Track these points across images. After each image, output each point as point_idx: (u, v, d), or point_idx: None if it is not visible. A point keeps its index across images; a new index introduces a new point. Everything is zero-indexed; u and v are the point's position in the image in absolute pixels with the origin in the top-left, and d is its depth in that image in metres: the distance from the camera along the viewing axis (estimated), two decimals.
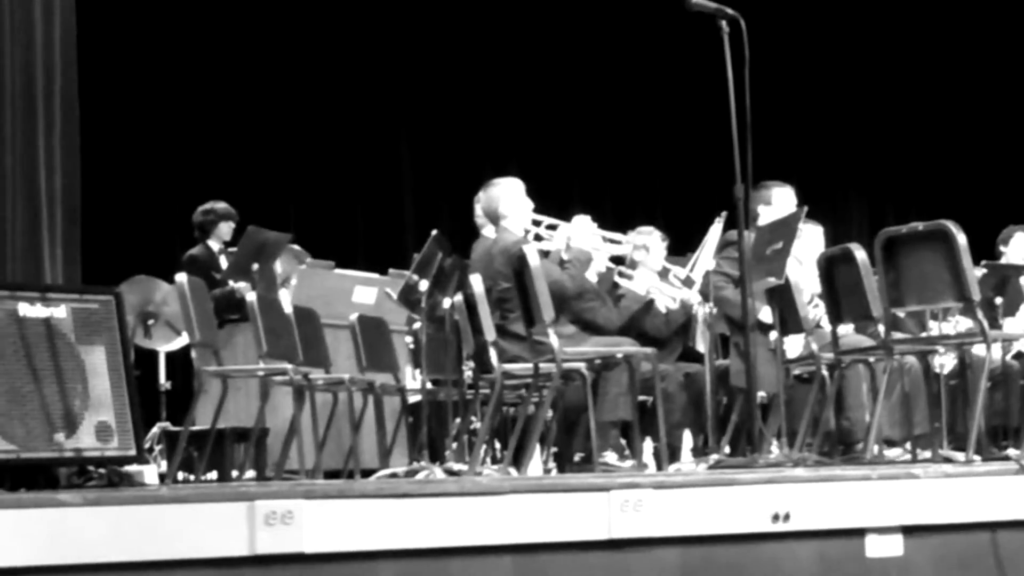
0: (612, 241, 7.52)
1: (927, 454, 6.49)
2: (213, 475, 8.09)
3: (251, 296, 7.57)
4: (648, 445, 7.41)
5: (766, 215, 7.36)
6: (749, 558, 4.72)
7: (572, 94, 13.24)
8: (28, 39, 10.15)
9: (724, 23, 6.14)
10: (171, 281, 8.02)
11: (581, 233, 7.35)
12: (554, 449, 7.47)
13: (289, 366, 7.38)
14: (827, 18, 13.82)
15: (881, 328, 6.39)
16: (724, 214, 7.31)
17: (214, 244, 9.35)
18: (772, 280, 6.59)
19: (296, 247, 9.41)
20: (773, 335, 6.86)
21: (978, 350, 6.83)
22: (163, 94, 11.76)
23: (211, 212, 9.42)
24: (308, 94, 12.40)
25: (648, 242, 8.07)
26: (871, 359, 6.86)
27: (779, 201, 7.50)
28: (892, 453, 6.94)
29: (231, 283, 8.70)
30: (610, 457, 7.13)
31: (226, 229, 9.36)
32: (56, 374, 4.87)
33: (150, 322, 9.40)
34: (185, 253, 9.36)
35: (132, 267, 9.72)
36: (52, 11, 10.27)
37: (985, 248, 8.71)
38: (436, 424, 8.22)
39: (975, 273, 6.08)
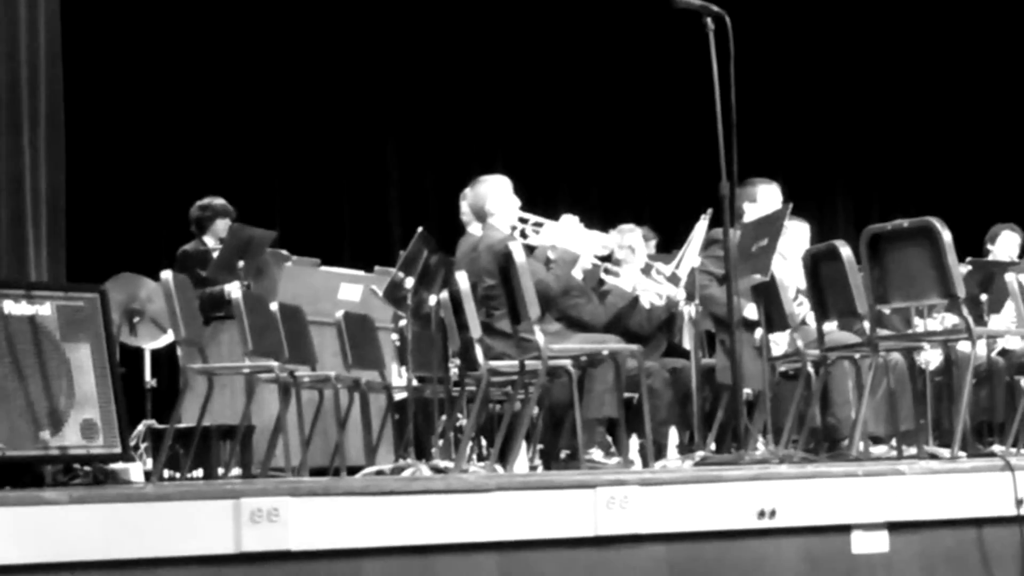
0: (598, 243, 7.51)
1: (912, 450, 6.50)
2: (199, 473, 8.07)
3: (236, 293, 7.55)
4: (634, 442, 7.41)
5: (752, 212, 7.36)
6: (735, 555, 4.73)
7: (558, 91, 13.24)
8: (12, 35, 10.12)
9: (709, 20, 6.13)
10: (156, 278, 8.00)
11: (567, 233, 7.34)
12: (540, 446, 7.47)
13: (275, 363, 7.36)
14: (813, 15, 13.84)
15: (866, 325, 6.40)
16: (709, 211, 7.31)
17: (209, 240, 9.24)
18: (757, 277, 6.59)
19: (280, 251, 9.36)
20: (759, 332, 6.86)
21: (963, 347, 6.84)
22: (148, 91, 11.73)
23: (208, 208, 9.34)
24: (294, 91, 12.38)
25: (631, 240, 8.08)
26: (856, 356, 6.86)
27: (765, 198, 7.50)
28: (878, 450, 6.95)
29: (224, 286, 8.65)
30: (596, 454, 7.13)
31: (222, 226, 9.19)
32: (41, 372, 4.86)
33: (135, 319, 9.38)
34: (179, 248, 9.30)
35: (117, 264, 9.71)
36: (37, 6, 10.25)
37: (971, 245, 8.73)
38: (422, 421, 8.22)
39: (960, 270, 6.09)
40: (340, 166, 12.68)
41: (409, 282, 7.25)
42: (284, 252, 9.36)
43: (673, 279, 7.52)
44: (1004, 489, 5.11)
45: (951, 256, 5.90)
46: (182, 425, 7.66)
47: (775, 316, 6.81)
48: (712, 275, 7.26)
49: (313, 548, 4.16)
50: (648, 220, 10.60)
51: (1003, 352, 7.95)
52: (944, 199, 11.85)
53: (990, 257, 8.96)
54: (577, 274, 7.50)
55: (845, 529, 4.88)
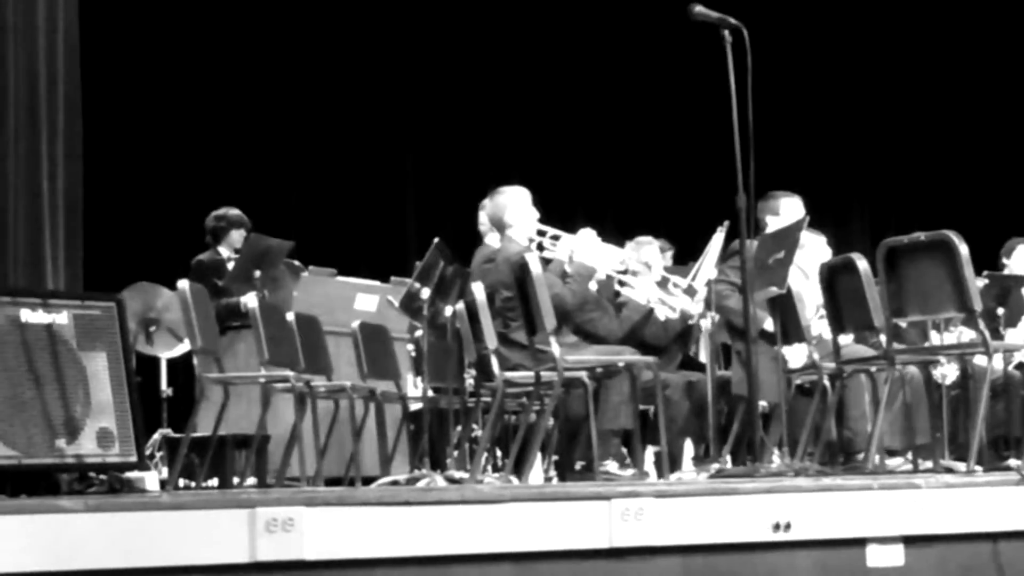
0: (615, 257, 7.50)
1: (928, 464, 6.49)
2: (214, 482, 8.09)
3: (253, 303, 7.56)
4: (649, 454, 7.40)
5: (773, 225, 7.35)
6: (750, 567, 4.72)
7: (575, 104, 13.25)
8: (31, 43, 10.15)
9: (727, 33, 6.14)
10: (173, 287, 8.01)
11: (584, 246, 7.34)
12: (555, 457, 7.46)
13: (291, 373, 7.38)
14: (830, 28, 13.83)
15: (883, 338, 6.39)
16: (726, 224, 7.31)
17: (224, 251, 9.23)
18: (774, 290, 6.59)
19: (294, 262, 9.36)
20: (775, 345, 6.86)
21: (980, 360, 6.83)
22: (166, 101, 11.77)
23: (223, 218, 9.34)
24: (312, 101, 12.41)
25: (648, 253, 8.07)
26: (873, 369, 6.85)
27: (787, 211, 7.50)
28: (893, 463, 6.93)
29: (240, 297, 8.65)
30: (611, 466, 7.12)
31: (237, 236, 9.18)
32: (58, 380, 4.87)
33: (152, 328, 9.40)
34: (194, 258, 9.31)
35: (134, 273, 9.73)
36: (55, 15, 10.28)
37: (988, 259, 8.71)
38: (437, 432, 8.22)
39: (977, 284, 6.08)
40: (357, 176, 12.69)
41: (425, 293, 7.25)
42: (297, 263, 9.37)
43: (690, 291, 7.51)
44: (1020, 503, 5.10)
45: (968, 270, 5.89)
46: (198, 434, 7.67)
47: (791, 329, 6.81)
48: (732, 284, 7.25)
49: (328, 558, 4.16)
50: (664, 232, 10.58)
51: (1020, 366, 7.94)
52: (960, 213, 11.80)
53: (1006, 271, 8.93)
54: (592, 286, 7.50)
55: (860, 543, 4.87)
